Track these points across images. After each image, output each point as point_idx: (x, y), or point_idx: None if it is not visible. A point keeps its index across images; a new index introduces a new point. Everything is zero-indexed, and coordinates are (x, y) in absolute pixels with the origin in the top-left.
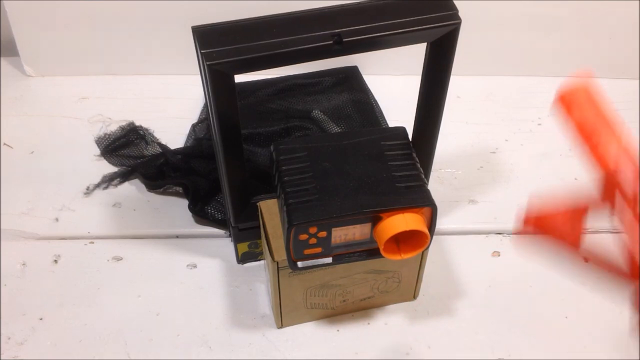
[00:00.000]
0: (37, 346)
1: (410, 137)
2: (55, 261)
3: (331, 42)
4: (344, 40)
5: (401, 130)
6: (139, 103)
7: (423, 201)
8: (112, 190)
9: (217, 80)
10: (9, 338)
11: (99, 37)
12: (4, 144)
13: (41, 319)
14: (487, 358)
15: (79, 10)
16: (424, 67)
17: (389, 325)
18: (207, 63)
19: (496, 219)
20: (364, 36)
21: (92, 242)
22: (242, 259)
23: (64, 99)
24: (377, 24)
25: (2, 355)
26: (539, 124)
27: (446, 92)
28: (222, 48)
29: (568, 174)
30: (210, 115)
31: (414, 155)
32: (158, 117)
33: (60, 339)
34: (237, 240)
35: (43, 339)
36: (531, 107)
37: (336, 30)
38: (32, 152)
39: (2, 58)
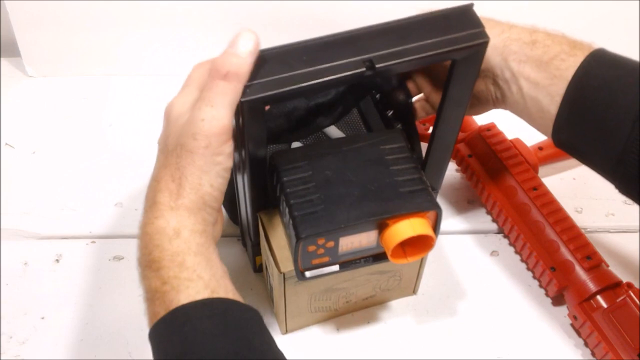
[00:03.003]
0: (38, 345)
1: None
2: (57, 260)
3: (364, 69)
4: (376, 66)
5: (398, 133)
6: (141, 104)
7: (428, 205)
8: (113, 190)
9: (250, 113)
10: (10, 337)
11: (100, 38)
12: (6, 144)
13: (43, 318)
14: (486, 357)
15: (80, 10)
16: (446, 82)
17: (389, 324)
18: (242, 100)
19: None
20: (395, 61)
21: (94, 242)
22: (260, 269)
23: (66, 100)
24: (406, 47)
25: (3, 355)
26: None
27: (467, 105)
28: (253, 82)
29: (566, 174)
30: (241, 144)
31: (413, 157)
32: (161, 118)
33: (62, 338)
34: (255, 254)
35: (44, 338)
36: None
37: (367, 56)
38: (33, 152)
39: (3, 58)
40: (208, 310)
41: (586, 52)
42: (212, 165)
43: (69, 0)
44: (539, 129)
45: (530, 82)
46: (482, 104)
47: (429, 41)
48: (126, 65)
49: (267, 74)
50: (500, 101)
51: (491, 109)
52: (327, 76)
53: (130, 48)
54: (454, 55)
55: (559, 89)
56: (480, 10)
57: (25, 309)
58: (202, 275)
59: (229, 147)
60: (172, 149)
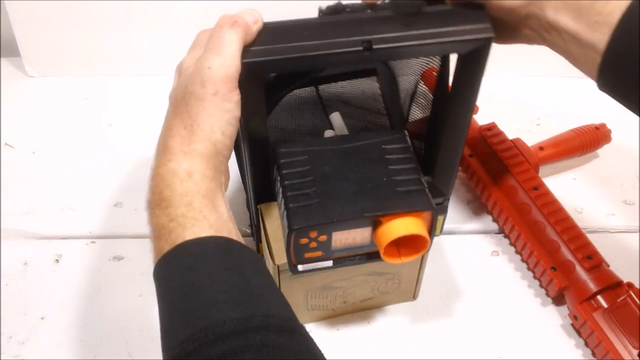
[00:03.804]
0: (38, 345)
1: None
2: (57, 261)
3: (361, 48)
4: (374, 47)
5: (402, 134)
6: (141, 104)
7: (423, 205)
8: (113, 190)
9: (249, 79)
10: (10, 337)
11: (100, 38)
12: (5, 144)
13: (42, 319)
14: (486, 357)
15: (80, 10)
16: (453, 79)
17: (389, 324)
18: (242, 61)
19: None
20: (393, 44)
21: (94, 242)
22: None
23: (66, 100)
24: (407, 33)
25: (3, 355)
26: (538, 124)
27: (474, 103)
28: (252, 48)
29: (566, 174)
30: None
31: (415, 159)
32: (161, 119)
33: (62, 339)
34: (258, 241)
35: (44, 339)
36: (530, 107)
37: (366, 37)
38: (33, 152)
39: (3, 58)
40: (210, 247)
41: None
42: (222, 112)
43: (69, 0)
44: (583, 72)
45: (569, 32)
46: (519, 37)
47: (431, 30)
48: (126, 65)
49: (267, 42)
50: (538, 41)
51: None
52: (325, 50)
53: (130, 48)
54: (457, 48)
55: (603, 36)
56: None
57: (25, 309)
58: (208, 216)
59: (236, 95)
60: (181, 98)
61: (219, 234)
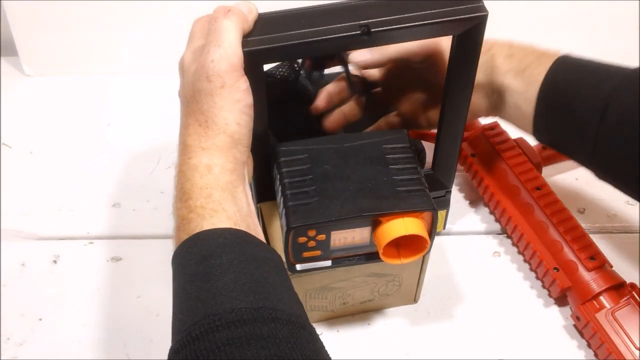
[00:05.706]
0: (36, 347)
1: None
2: (55, 261)
3: (359, 32)
4: (372, 30)
5: (403, 134)
6: (139, 103)
7: (423, 205)
8: (111, 190)
9: (248, 68)
10: (8, 338)
11: (98, 37)
12: (3, 143)
13: (40, 320)
14: (488, 358)
15: (78, 9)
16: (449, 62)
17: (389, 326)
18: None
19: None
20: (391, 27)
21: (92, 243)
22: None
23: (63, 99)
24: (404, 16)
25: (1, 356)
26: None
27: (472, 86)
28: (250, 38)
29: (569, 173)
30: None
31: (416, 159)
32: (160, 118)
33: (60, 340)
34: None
35: (42, 340)
36: None
37: (364, 22)
38: (31, 152)
39: (1, 58)
40: (226, 237)
41: (553, 59)
42: (232, 103)
43: (67, 0)
44: (523, 130)
45: (510, 90)
46: (473, 115)
47: (426, 12)
48: (124, 65)
49: (265, 32)
50: (488, 111)
51: (481, 117)
52: (322, 36)
53: (128, 47)
54: (452, 28)
55: (533, 93)
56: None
57: (22, 310)
58: (227, 208)
59: (243, 83)
60: (191, 97)
61: (236, 227)
